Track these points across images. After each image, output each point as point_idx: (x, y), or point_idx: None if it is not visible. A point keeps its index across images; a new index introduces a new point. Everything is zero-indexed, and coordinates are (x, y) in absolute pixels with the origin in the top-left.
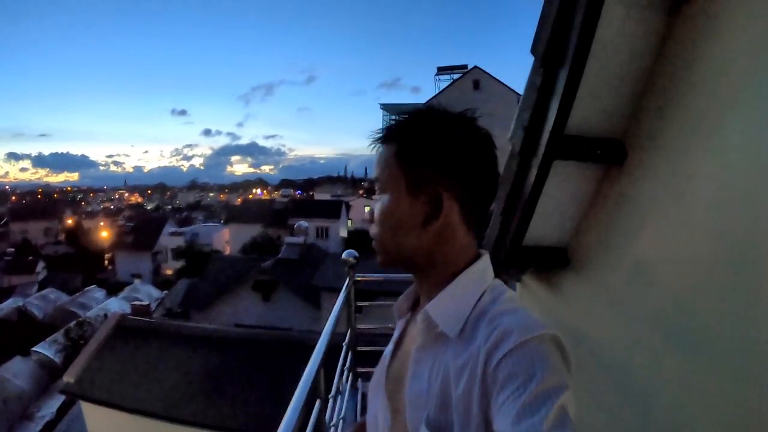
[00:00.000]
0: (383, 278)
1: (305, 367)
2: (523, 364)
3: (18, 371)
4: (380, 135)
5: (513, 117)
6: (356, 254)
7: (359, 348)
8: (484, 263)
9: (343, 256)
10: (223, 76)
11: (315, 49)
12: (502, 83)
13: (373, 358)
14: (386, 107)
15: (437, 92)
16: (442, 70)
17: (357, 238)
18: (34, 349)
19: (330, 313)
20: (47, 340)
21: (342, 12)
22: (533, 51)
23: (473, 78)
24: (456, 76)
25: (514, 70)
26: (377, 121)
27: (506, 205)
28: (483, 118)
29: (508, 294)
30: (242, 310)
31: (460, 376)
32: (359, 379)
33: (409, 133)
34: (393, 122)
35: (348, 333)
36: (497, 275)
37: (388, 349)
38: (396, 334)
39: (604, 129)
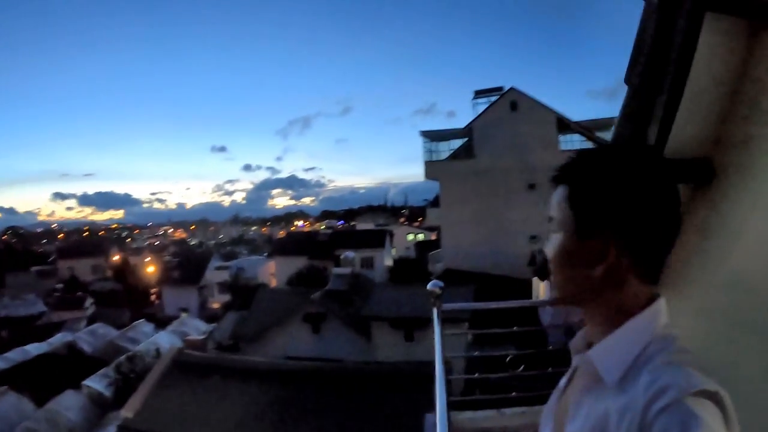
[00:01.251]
0: (470, 307)
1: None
2: (677, 422)
3: (70, 405)
4: (554, 175)
5: (610, 134)
6: (441, 284)
7: (449, 377)
8: (657, 308)
9: (429, 286)
10: (261, 111)
11: (350, 80)
12: (540, 103)
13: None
14: (426, 134)
15: (475, 116)
16: (479, 94)
17: (402, 267)
18: (84, 383)
19: (379, 343)
20: (97, 374)
21: (374, 41)
22: (627, 81)
23: (510, 99)
24: (493, 99)
25: (552, 88)
26: (415, 149)
27: None
28: (521, 137)
29: (677, 345)
30: (292, 343)
31: (617, 425)
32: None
33: (580, 175)
34: (568, 160)
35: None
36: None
37: (563, 381)
38: (570, 370)
39: (693, 150)
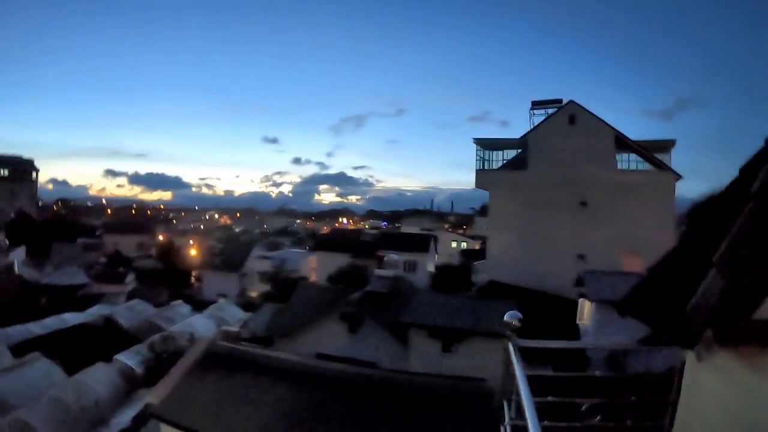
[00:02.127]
0: (553, 346)
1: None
2: None
3: (99, 378)
4: None
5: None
6: (520, 316)
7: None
8: None
9: (506, 317)
10: (315, 106)
11: (405, 82)
12: (599, 118)
13: None
14: (479, 141)
15: (531, 127)
16: (536, 105)
17: (445, 274)
18: (116, 357)
19: (416, 351)
20: (130, 349)
21: (429, 45)
22: None
23: (569, 113)
24: (551, 111)
25: (606, 104)
26: (466, 155)
27: (736, 262)
28: (576, 152)
29: None
30: (327, 340)
31: None
32: None
33: None
34: None
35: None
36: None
37: None
38: None
39: None
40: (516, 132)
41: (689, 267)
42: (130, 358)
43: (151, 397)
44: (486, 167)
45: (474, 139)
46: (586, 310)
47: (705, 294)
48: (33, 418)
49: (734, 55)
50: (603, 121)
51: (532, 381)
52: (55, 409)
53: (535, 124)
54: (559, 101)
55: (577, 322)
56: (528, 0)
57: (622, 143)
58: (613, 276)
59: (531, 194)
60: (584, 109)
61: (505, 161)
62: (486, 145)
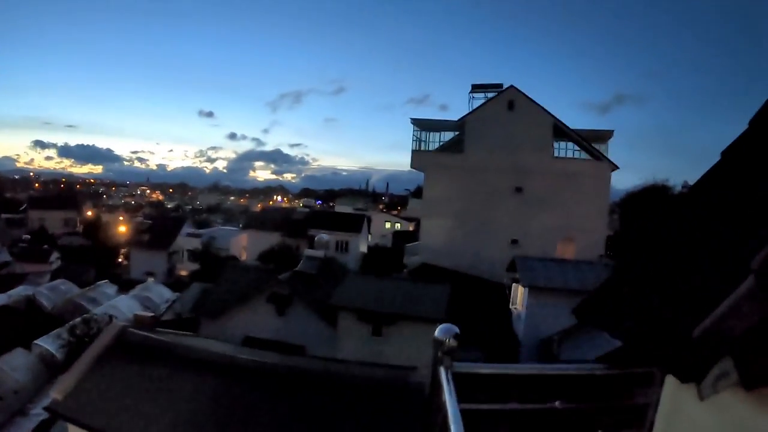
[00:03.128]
0: (498, 371)
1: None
2: None
3: (18, 364)
4: None
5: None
6: (456, 331)
7: None
8: None
9: (437, 334)
10: (253, 81)
11: (346, 60)
12: (538, 104)
13: None
14: (417, 122)
15: (470, 110)
16: (476, 88)
17: (377, 255)
18: (36, 342)
19: (345, 334)
20: (51, 334)
21: (374, 25)
22: None
23: (508, 98)
24: (491, 95)
25: (545, 95)
26: (404, 137)
27: None
28: (514, 137)
29: None
30: (255, 322)
31: None
32: None
33: None
34: None
35: None
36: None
37: None
38: None
39: None
40: (455, 116)
41: (683, 268)
42: (50, 343)
43: (55, 391)
44: (423, 148)
45: (411, 119)
46: (518, 295)
47: (729, 314)
48: None
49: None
50: (542, 107)
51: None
52: None
53: (475, 107)
54: (500, 86)
55: (510, 306)
56: None
57: (561, 131)
58: (545, 262)
59: (467, 178)
60: (524, 94)
61: (442, 143)
62: (423, 125)
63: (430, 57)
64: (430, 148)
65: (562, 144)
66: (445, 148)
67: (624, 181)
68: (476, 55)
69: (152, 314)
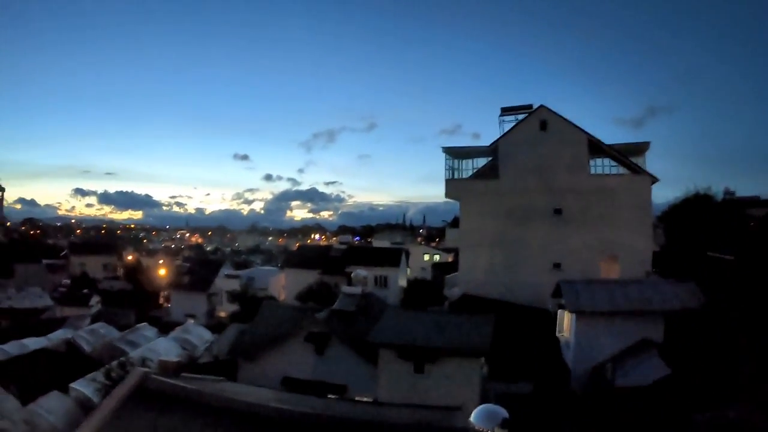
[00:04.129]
0: None
1: None
2: None
3: (53, 407)
4: None
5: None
6: (506, 416)
7: None
8: None
9: (475, 420)
10: (286, 122)
11: (376, 97)
12: (570, 122)
13: None
14: (449, 150)
15: (501, 134)
16: (506, 111)
17: (417, 289)
18: (72, 385)
19: (386, 372)
20: (87, 377)
21: (401, 59)
22: None
23: (540, 118)
24: (521, 117)
25: (576, 113)
26: (438, 169)
27: None
28: (549, 158)
29: None
30: (293, 363)
31: None
32: None
33: None
34: None
35: None
36: None
37: None
38: None
39: None
40: (488, 142)
41: None
42: (86, 386)
43: None
44: (456, 177)
45: (443, 148)
46: (565, 321)
47: None
48: None
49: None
50: (575, 125)
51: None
52: None
53: (506, 131)
54: (530, 107)
55: (557, 334)
56: (497, 11)
57: (596, 147)
58: (591, 285)
59: (503, 203)
60: (555, 113)
61: (475, 170)
62: (456, 153)
63: (459, 86)
64: (464, 176)
65: (599, 160)
66: (479, 174)
67: (664, 194)
68: (503, 79)
69: (177, 359)
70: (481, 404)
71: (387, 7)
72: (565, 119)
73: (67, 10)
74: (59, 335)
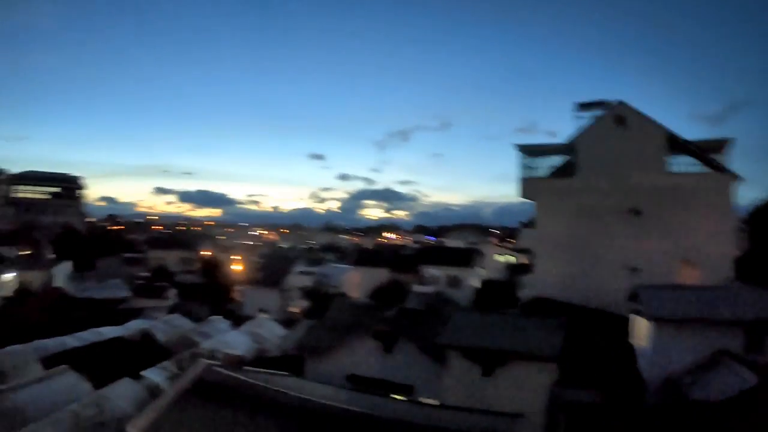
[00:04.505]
0: None
1: None
2: None
3: (123, 393)
4: None
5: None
6: None
7: None
8: None
9: None
10: (360, 121)
11: (449, 94)
12: (648, 118)
13: None
14: (523, 148)
15: (577, 131)
16: (582, 107)
17: (489, 290)
18: (144, 373)
19: (453, 374)
20: (160, 365)
21: (476, 56)
22: None
23: (617, 113)
24: (597, 113)
25: (655, 110)
26: (512, 167)
27: None
28: (626, 156)
29: None
30: (360, 360)
31: None
32: None
33: None
34: None
35: None
36: None
37: None
38: None
39: None
40: (564, 141)
41: None
42: (157, 375)
43: (131, 425)
44: (530, 175)
45: (517, 145)
46: (641, 328)
47: None
48: None
49: None
50: (653, 120)
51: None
52: (71, 424)
53: (582, 127)
54: (606, 102)
55: (631, 341)
56: (574, 7)
57: (675, 144)
58: (669, 290)
59: (579, 202)
60: (633, 108)
61: (550, 169)
62: (530, 151)
63: (534, 83)
64: (539, 175)
65: (678, 158)
66: (554, 173)
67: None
68: (580, 75)
69: (241, 353)
70: (547, 412)
71: (461, 5)
72: (643, 114)
73: (145, 15)
74: (135, 325)
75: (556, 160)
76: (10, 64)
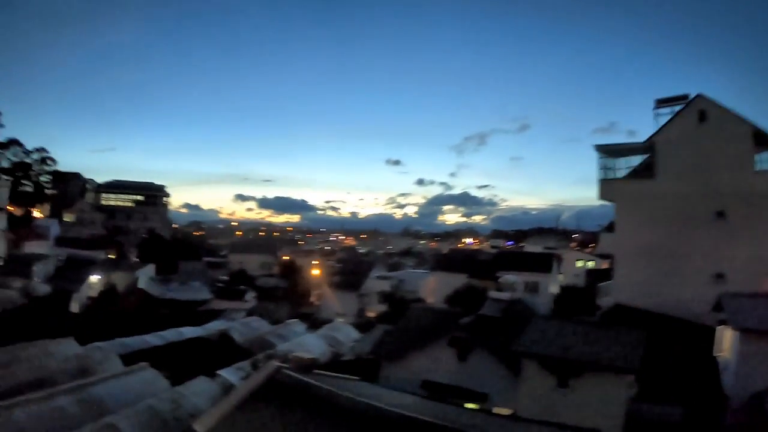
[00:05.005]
0: None
1: None
2: None
3: (198, 391)
4: None
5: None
6: None
7: None
8: None
9: None
10: (437, 126)
11: (527, 97)
12: (733, 112)
13: None
14: (601, 148)
15: (657, 129)
16: (661, 103)
17: (568, 296)
18: (220, 372)
19: (528, 384)
20: (235, 365)
21: (553, 57)
22: None
23: (698, 108)
24: (677, 108)
25: (740, 99)
26: (592, 170)
27: None
28: (709, 154)
29: None
30: (434, 366)
31: None
32: None
33: None
34: None
35: None
36: None
37: None
38: None
39: None
40: (644, 138)
41: None
42: (232, 374)
43: (197, 424)
44: (610, 176)
45: (595, 146)
46: (726, 339)
47: None
48: (123, 424)
49: None
50: (738, 115)
51: None
52: (148, 418)
53: (661, 125)
54: (686, 97)
55: (715, 354)
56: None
57: (763, 140)
58: (759, 299)
59: (659, 204)
60: (715, 102)
61: (630, 169)
62: (609, 152)
63: (613, 82)
64: (618, 176)
65: (766, 155)
66: (634, 174)
67: None
68: (660, 71)
69: (312, 356)
70: (624, 427)
71: (535, 4)
72: (726, 109)
73: (224, 29)
74: (214, 326)
75: (636, 160)
76: (97, 81)
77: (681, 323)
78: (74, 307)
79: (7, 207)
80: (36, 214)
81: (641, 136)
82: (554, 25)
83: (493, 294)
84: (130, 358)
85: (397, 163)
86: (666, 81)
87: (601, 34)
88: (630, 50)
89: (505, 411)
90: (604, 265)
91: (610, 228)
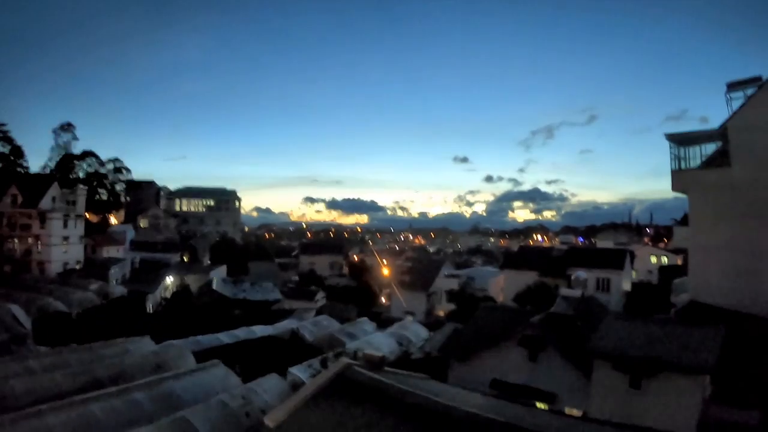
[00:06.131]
0: None
1: None
2: None
3: (269, 387)
4: None
5: None
6: None
7: None
8: None
9: None
10: (504, 121)
11: (594, 87)
12: None
13: None
14: (673, 137)
15: (730, 114)
16: (733, 87)
17: (641, 293)
18: (290, 369)
19: (599, 384)
20: (305, 363)
21: (620, 44)
22: None
23: None
24: (750, 91)
25: None
26: (664, 161)
27: None
28: None
29: None
30: (504, 366)
31: None
32: None
33: None
34: None
35: None
36: None
37: None
38: None
39: None
40: (717, 125)
41: None
42: (302, 372)
43: (268, 419)
44: (683, 166)
45: (666, 135)
46: None
47: None
48: (196, 418)
49: None
50: None
51: None
52: (219, 412)
53: (734, 109)
54: (759, 79)
55: None
56: None
57: None
58: None
59: (737, 194)
60: None
61: (704, 158)
62: (681, 140)
63: (682, 67)
64: (692, 165)
65: None
66: (708, 163)
67: None
68: (730, 52)
69: (382, 354)
70: (698, 429)
71: None
72: None
73: (287, 37)
74: (285, 325)
75: (710, 149)
76: (168, 93)
77: (761, 322)
78: (149, 307)
79: (85, 214)
80: (112, 220)
81: (714, 123)
82: (617, 11)
83: (564, 291)
84: (203, 356)
85: (464, 160)
86: (736, 63)
87: (667, 16)
88: (698, 32)
89: (575, 412)
90: (679, 260)
91: (683, 221)
